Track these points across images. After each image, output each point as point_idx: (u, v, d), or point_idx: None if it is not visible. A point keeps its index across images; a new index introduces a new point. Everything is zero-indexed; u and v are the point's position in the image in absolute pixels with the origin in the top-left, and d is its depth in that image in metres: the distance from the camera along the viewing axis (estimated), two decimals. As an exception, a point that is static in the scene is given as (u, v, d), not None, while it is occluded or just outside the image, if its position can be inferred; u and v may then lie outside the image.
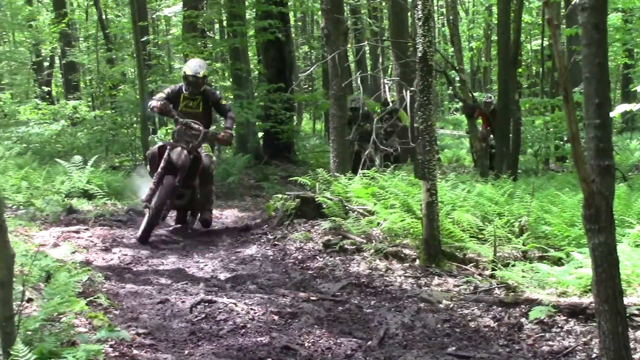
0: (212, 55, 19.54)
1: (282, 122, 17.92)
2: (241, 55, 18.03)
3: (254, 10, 19.44)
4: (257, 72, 20.22)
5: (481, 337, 5.29)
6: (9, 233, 3.71)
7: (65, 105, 20.90)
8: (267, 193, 13.77)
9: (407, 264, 7.33)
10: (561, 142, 18.00)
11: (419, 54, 7.14)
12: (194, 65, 9.41)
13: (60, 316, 4.76)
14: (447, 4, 17.54)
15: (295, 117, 24.99)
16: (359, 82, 11.51)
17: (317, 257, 7.86)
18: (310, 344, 5.10)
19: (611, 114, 3.36)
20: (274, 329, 5.42)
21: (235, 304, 5.94)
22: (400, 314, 5.79)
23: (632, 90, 26.72)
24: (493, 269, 6.75)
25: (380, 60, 31.26)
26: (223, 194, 13.68)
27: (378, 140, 13.23)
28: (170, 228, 9.93)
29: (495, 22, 20.96)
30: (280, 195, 10.09)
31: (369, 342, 5.14)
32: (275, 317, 5.70)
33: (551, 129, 17.71)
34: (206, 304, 5.96)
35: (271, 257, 8.11)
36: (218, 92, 10.06)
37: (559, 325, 5.28)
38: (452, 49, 20.20)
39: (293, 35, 26.35)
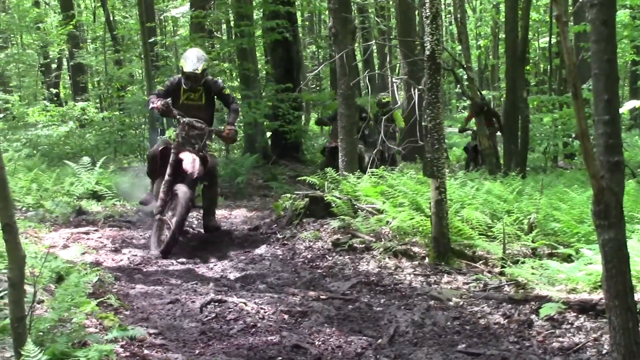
0: (220, 56, 19.55)
1: (290, 122, 17.91)
2: (249, 55, 18.04)
3: (262, 10, 19.43)
4: (264, 72, 20.22)
5: (491, 334, 5.29)
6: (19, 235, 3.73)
7: (73, 106, 20.95)
8: (275, 193, 13.78)
9: (417, 262, 7.33)
10: (570, 139, 17.95)
11: (427, 52, 7.14)
12: (192, 61, 8.67)
13: (71, 317, 4.78)
14: (455, 2, 17.49)
15: (303, 117, 24.97)
16: (367, 81, 11.45)
17: (327, 256, 7.86)
18: (320, 343, 5.10)
19: (620, 111, 3.35)
20: (284, 328, 5.43)
21: (245, 303, 5.95)
22: (410, 312, 5.79)
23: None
24: (502, 266, 6.74)
25: (388, 59, 31.24)
26: (231, 194, 13.70)
27: (372, 142, 13.25)
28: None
29: (503, 20, 20.90)
30: (288, 195, 10.09)
31: (379, 340, 5.14)
32: (285, 316, 5.71)
33: (559, 127, 17.67)
34: (216, 304, 5.97)
35: (280, 257, 8.12)
36: (219, 80, 9.40)
37: (569, 321, 5.27)
38: (459, 47, 20.17)
39: (300, 35, 26.35)
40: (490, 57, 34.25)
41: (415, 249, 7.66)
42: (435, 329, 5.45)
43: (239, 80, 19.10)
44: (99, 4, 26.51)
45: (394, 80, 14.68)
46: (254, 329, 5.37)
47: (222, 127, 9.24)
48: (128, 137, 17.44)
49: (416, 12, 20.20)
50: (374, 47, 28.57)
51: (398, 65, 22.81)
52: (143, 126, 17.55)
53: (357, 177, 9.90)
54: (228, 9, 19.10)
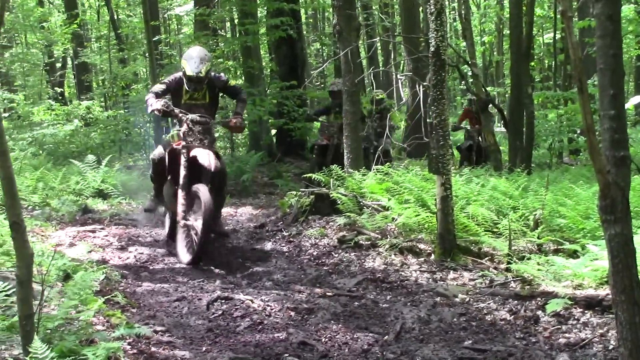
0: (224, 54, 19.56)
1: (295, 119, 17.89)
2: (253, 53, 18.03)
3: (266, 7, 19.42)
4: (269, 70, 20.23)
5: (497, 331, 5.30)
6: (26, 233, 3.74)
7: (78, 105, 20.97)
8: (280, 190, 13.78)
9: (423, 259, 7.33)
10: (575, 135, 17.94)
11: (432, 49, 7.14)
12: (195, 63, 7.94)
13: (79, 315, 4.80)
14: (459, -1, 17.52)
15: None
16: (371, 78, 11.38)
17: (333, 253, 7.87)
18: (327, 340, 5.12)
19: (625, 106, 3.35)
20: (290, 325, 5.44)
21: (251, 300, 5.97)
22: (416, 309, 5.80)
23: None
24: (508, 263, 6.74)
25: (392, 55, 31.22)
26: (237, 192, 13.70)
27: (368, 140, 13.13)
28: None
29: (507, 16, 20.90)
30: (294, 192, 10.09)
31: (386, 337, 5.15)
32: (292, 313, 5.73)
33: (564, 122, 17.66)
34: (223, 301, 5.99)
35: (286, 254, 8.13)
36: (222, 74, 8.74)
37: (576, 317, 5.28)
38: (464, 44, 20.15)
39: (304, 32, 26.36)
40: (495, 53, 34.19)
41: (421, 246, 7.67)
42: (441, 326, 5.46)
43: (243, 78, 19.11)
44: (103, 3, 26.55)
45: (398, 77, 14.61)
46: (260, 326, 5.39)
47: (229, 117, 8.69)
48: (133, 136, 17.47)
49: (420, 9, 20.20)
50: (379, 44, 28.57)
51: (402, 62, 22.79)
52: (148, 124, 17.55)
53: (363, 174, 9.90)
54: (232, 7, 19.10)
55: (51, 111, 20.22)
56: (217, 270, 7.47)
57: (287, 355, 4.75)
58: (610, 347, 4.69)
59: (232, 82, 8.62)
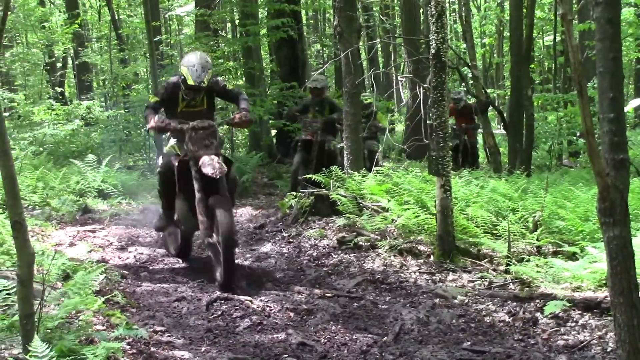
0: (225, 54, 19.56)
1: (295, 120, 17.88)
2: (254, 53, 18.03)
3: (267, 9, 19.43)
4: (269, 71, 20.22)
5: (496, 332, 5.31)
6: (26, 232, 3.76)
7: (78, 105, 20.96)
8: (280, 191, 13.77)
9: (422, 260, 7.34)
10: (574, 138, 17.95)
11: (433, 51, 7.15)
12: (197, 71, 7.24)
13: (79, 314, 4.82)
14: (460, 1, 17.51)
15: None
16: (372, 79, 11.34)
17: (332, 254, 7.88)
18: (326, 340, 5.13)
19: (625, 109, 3.36)
20: (290, 325, 5.46)
21: (251, 301, 5.99)
22: (415, 310, 5.81)
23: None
24: (507, 264, 6.75)
25: (393, 57, 31.24)
26: (237, 192, 13.69)
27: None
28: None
29: (508, 18, 20.91)
30: (294, 193, 10.10)
31: (385, 338, 5.17)
32: (291, 314, 5.74)
33: (564, 125, 17.66)
34: (222, 302, 6.02)
35: (286, 255, 8.14)
36: (220, 78, 8.12)
37: (574, 319, 5.30)
38: (464, 46, 20.16)
39: (305, 33, 26.37)
40: (495, 55, 34.18)
41: (421, 247, 7.68)
42: (440, 327, 5.48)
43: (244, 78, 19.11)
44: (104, 3, 26.55)
45: (399, 78, 14.61)
46: (260, 327, 5.41)
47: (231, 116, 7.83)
48: (133, 136, 17.44)
49: (421, 11, 20.20)
50: (379, 46, 28.59)
51: (403, 63, 22.82)
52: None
53: (363, 175, 9.91)
54: (233, 8, 19.11)
55: (51, 111, 20.21)
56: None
57: (286, 355, 4.76)
58: (609, 349, 4.70)
59: (230, 86, 7.89)
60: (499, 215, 8.31)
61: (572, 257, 6.78)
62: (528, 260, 6.73)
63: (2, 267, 5.91)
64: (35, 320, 3.87)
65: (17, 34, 30.17)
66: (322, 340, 5.13)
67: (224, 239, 6.54)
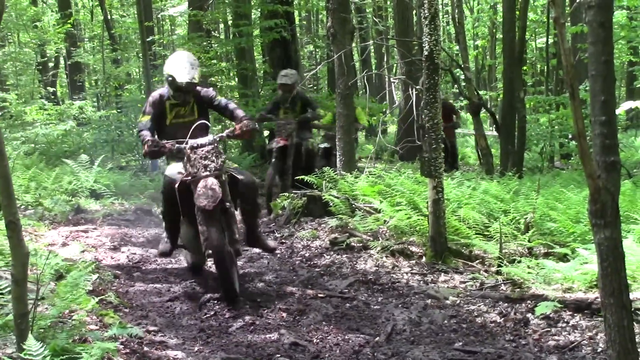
0: (218, 55, 19.57)
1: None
2: (247, 54, 18.07)
3: (260, 9, 19.45)
4: (262, 71, 20.24)
5: (488, 333, 5.34)
6: (20, 232, 3.77)
7: (71, 105, 20.95)
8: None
9: (414, 261, 7.37)
10: (566, 140, 18.01)
11: (426, 53, 7.18)
12: (185, 69, 6.75)
13: (72, 314, 4.82)
14: (453, 3, 17.56)
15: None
16: (364, 81, 11.30)
17: (324, 254, 7.89)
18: (318, 340, 5.15)
19: (616, 112, 3.39)
20: (282, 325, 5.47)
21: (243, 301, 6.00)
22: (407, 310, 5.83)
23: (638, 87, 26.77)
24: (499, 266, 6.78)
25: (386, 58, 31.29)
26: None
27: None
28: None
29: (500, 20, 20.95)
30: (287, 194, 10.11)
31: (377, 338, 5.18)
32: (284, 314, 5.76)
33: (556, 127, 17.72)
34: (215, 302, 6.02)
35: (278, 255, 8.14)
36: (210, 88, 7.47)
37: (565, 320, 5.32)
38: (457, 47, 20.22)
39: (298, 34, 26.38)
40: (488, 57, 34.27)
41: (413, 248, 7.71)
42: (432, 327, 5.50)
43: (237, 79, 19.12)
44: (97, 3, 26.55)
45: (391, 80, 14.66)
46: (252, 327, 5.42)
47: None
48: (126, 136, 17.43)
49: (414, 13, 20.25)
50: (372, 47, 28.61)
51: (396, 65, 22.87)
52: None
53: (355, 176, 9.93)
54: (226, 9, 19.13)
55: (44, 111, 20.20)
56: (209, 271, 7.48)
57: (278, 355, 4.78)
58: (599, 349, 4.73)
59: (219, 97, 7.18)
60: (491, 217, 8.34)
61: (563, 258, 6.82)
62: (519, 262, 6.75)
63: (-5, 267, 5.91)
64: (30, 319, 3.88)
65: (9, 33, 30.13)
66: (315, 341, 5.14)
67: (220, 274, 6.11)
